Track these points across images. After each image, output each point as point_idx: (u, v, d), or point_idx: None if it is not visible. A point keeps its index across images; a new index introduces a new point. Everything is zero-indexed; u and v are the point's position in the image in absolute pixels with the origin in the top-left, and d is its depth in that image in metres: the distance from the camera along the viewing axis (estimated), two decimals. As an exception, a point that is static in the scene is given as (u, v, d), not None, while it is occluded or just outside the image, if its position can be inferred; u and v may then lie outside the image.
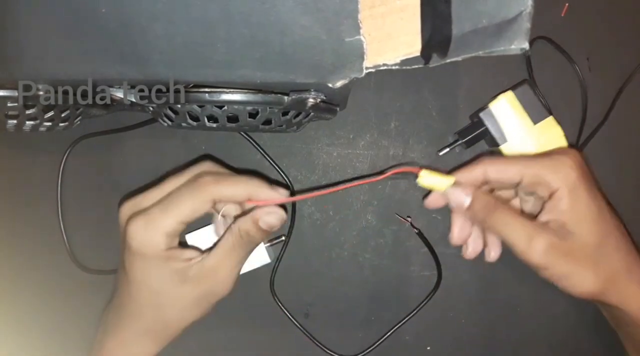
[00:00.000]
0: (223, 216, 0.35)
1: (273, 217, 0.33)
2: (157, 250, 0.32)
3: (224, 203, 0.34)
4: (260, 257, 0.40)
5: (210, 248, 0.35)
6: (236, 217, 0.34)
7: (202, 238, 0.40)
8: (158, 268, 0.33)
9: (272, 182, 0.34)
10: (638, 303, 0.33)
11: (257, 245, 0.35)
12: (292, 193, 0.42)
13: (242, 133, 0.42)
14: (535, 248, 0.32)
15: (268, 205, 0.33)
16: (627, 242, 0.34)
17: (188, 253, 0.34)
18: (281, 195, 0.34)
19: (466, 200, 0.34)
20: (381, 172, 0.37)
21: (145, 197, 0.34)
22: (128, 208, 0.34)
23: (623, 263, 0.33)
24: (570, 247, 0.32)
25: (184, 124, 0.34)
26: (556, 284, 0.33)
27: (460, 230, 0.36)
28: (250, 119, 0.33)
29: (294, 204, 0.43)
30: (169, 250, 0.33)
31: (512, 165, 0.34)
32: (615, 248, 0.33)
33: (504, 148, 0.39)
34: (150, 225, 0.32)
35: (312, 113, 0.35)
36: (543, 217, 0.33)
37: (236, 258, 0.34)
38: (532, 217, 0.35)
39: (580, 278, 0.32)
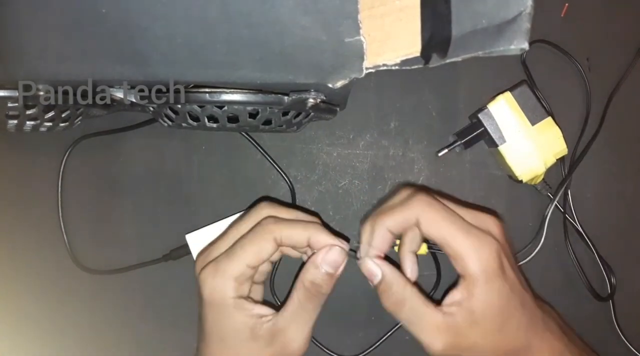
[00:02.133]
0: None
1: (334, 253, 0.33)
2: (226, 297, 0.32)
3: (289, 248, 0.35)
4: None
5: (282, 306, 0.33)
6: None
7: (204, 237, 0.40)
8: (228, 318, 0.32)
9: (334, 233, 0.34)
10: None
11: (326, 295, 0.33)
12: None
13: (243, 133, 0.42)
14: (435, 346, 0.31)
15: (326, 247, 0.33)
16: (529, 315, 0.33)
17: (259, 309, 0.33)
18: (341, 244, 0.33)
19: (376, 277, 0.32)
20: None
21: (214, 248, 0.34)
22: (200, 261, 0.34)
23: (522, 341, 0.32)
24: (470, 341, 0.31)
25: (184, 124, 0.34)
26: None
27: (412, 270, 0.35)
28: (250, 119, 0.33)
29: (294, 204, 0.43)
30: (238, 298, 0.32)
31: (437, 228, 0.32)
32: (515, 328, 0.32)
33: (503, 148, 0.39)
34: (218, 271, 0.32)
35: (312, 114, 0.35)
36: (456, 295, 0.31)
37: (306, 316, 0.33)
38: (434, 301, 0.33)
39: None
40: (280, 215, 0.35)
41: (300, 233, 0.33)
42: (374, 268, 0.32)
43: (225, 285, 0.32)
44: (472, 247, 0.31)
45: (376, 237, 0.33)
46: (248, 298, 0.33)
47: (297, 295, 0.33)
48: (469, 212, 0.34)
